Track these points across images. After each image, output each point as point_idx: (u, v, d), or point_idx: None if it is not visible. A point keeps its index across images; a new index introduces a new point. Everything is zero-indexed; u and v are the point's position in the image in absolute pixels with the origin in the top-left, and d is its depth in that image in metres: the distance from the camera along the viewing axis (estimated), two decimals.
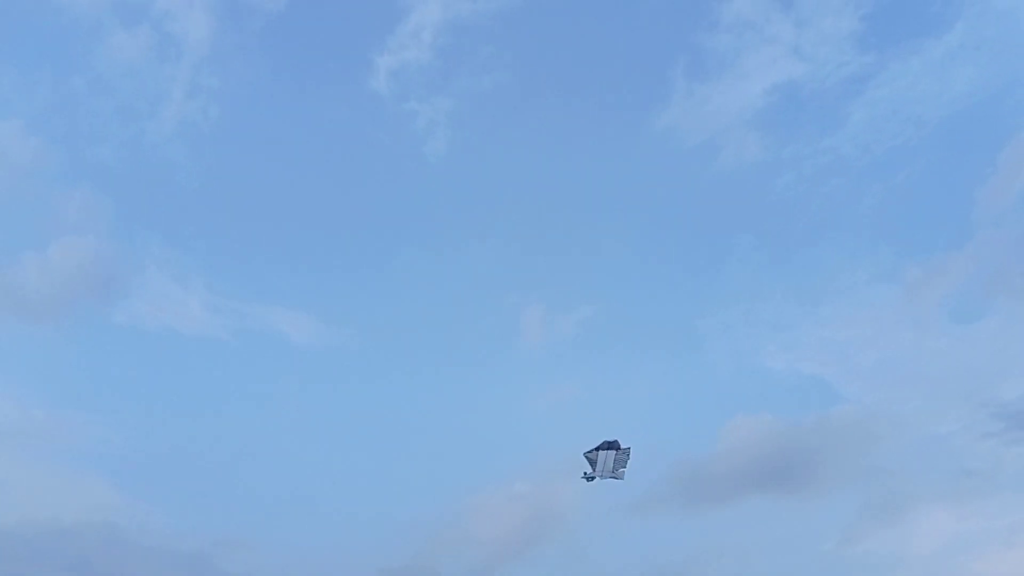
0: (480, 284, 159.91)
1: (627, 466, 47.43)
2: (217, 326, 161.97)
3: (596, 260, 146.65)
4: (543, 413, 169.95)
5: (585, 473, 49.64)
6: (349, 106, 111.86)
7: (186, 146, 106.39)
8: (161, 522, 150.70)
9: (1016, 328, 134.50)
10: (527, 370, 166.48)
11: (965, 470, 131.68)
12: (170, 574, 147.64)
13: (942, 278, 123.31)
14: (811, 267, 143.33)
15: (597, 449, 48.87)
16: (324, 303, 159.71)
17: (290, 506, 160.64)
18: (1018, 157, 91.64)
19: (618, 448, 48.33)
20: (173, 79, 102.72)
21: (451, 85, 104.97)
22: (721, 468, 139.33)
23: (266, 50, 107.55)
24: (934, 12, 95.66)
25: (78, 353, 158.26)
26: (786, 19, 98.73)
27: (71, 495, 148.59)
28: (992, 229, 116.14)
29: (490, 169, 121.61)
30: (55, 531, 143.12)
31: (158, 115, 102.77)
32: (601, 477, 48.25)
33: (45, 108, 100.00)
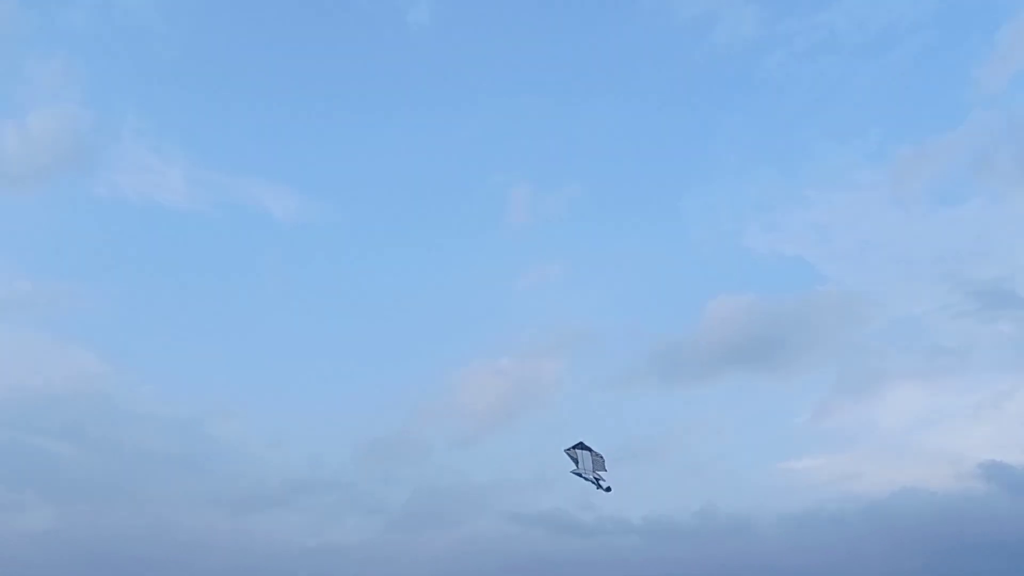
0: (466, 160, 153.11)
1: (606, 470, 51.15)
2: (198, 199, 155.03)
3: (583, 137, 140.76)
4: (528, 290, 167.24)
5: (574, 469, 53.12)
6: None
7: (161, 10, 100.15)
8: (151, 390, 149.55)
9: (999, 210, 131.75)
10: (513, 247, 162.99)
11: (939, 348, 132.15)
12: (162, 440, 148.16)
13: (931, 160, 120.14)
14: (798, 148, 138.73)
15: (575, 448, 52.12)
16: (307, 177, 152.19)
17: (279, 378, 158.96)
18: (1017, 35, 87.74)
19: (591, 450, 51.94)
20: None
21: None
22: (701, 346, 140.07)
23: None
24: None
25: (61, 224, 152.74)
26: None
27: (61, 364, 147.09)
28: (985, 110, 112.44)
29: (475, 41, 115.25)
30: (47, 398, 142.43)
31: None
32: (585, 477, 51.73)
33: None
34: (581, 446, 53.05)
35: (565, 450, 53.54)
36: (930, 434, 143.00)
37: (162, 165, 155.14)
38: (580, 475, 54.31)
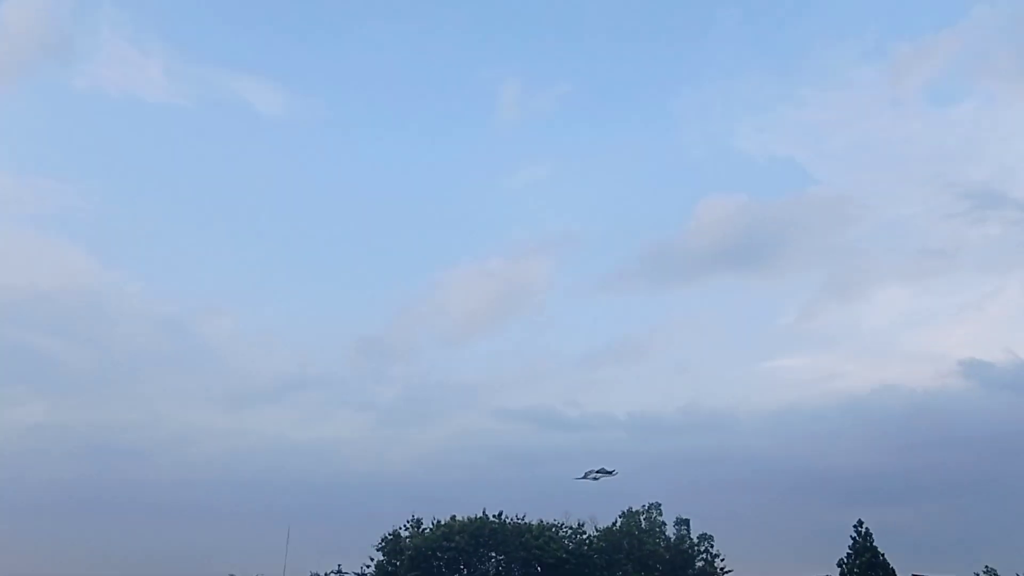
0: (455, 54, 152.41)
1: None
2: (180, 93, 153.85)
3: (576, 33, 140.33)
4: (518, 190, 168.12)
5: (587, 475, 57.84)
6: None
7: None
8: (138, 288, 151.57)
9: (994, 111, 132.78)
10: (502, 146, 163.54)
11: (926, 250, 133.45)
12: (150, 337, 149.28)
13: (928, 58, 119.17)
14: (794, 45, 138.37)
15: (597, 474, 56.83)
16: (291, 71, 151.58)
17: (267, 276, 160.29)
18: None
19: (610, 473, 57.41)
20: None
21: None
22: (690, 247, 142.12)
23: None
24: None
25: (41, 118, 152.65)
26: None
27: (46, 261, 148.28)
28: (986, 6, 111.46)
29: None
30: (34, 296, 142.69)
31: None
32: (593, 477, 56.81)
33: None
34: (605, 473, 55.87)
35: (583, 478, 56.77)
36: (913, 334, 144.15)
37: (141, 58, 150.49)
38: (590, 476, 56.80)
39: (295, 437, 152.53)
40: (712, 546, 78.16)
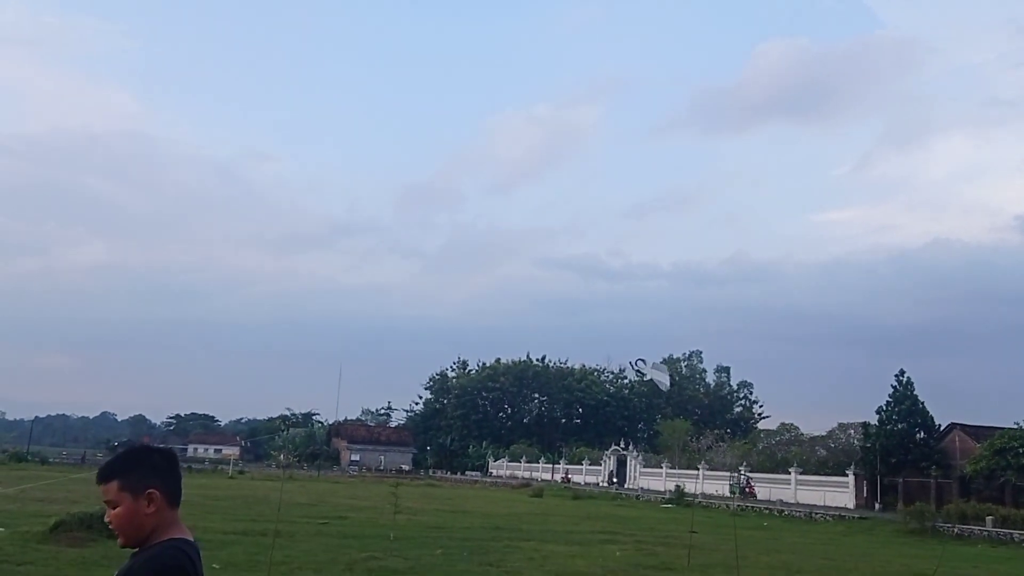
0: None
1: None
2: None
3: None
4: (567, 33, 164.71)
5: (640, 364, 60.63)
6: None
7: None
8: (189, 132, 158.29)
9: None
10: None
11: (993, 99, 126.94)
12: (200, 181, 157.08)
13: None
14: None
15: (645, 366, 60.21)
16: None
17: (314, 123, 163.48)
18: None
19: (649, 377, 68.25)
20: None
21: None
22: (745, 94, 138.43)
23: None
24: None
25: None
26: None
27: (96, 104, 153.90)
28: None
29: None
30: (86, 138, 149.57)
31: None
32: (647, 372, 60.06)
33: None
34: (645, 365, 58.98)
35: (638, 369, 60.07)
36: (971, 186, 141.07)
37: None
38: (638, 363, 59.34)
39: (344, 281, 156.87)
40: (751, 392, 79.81)
